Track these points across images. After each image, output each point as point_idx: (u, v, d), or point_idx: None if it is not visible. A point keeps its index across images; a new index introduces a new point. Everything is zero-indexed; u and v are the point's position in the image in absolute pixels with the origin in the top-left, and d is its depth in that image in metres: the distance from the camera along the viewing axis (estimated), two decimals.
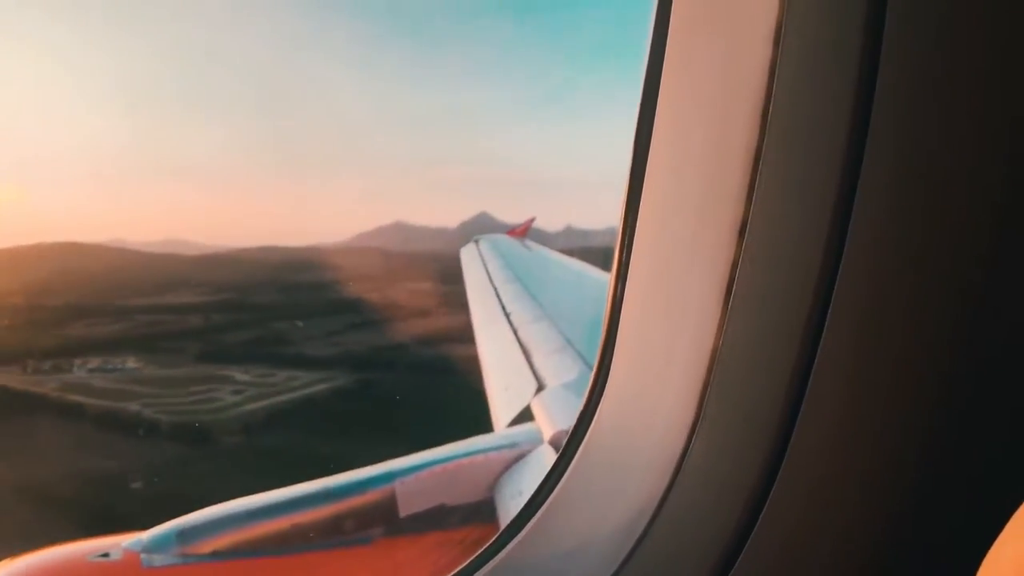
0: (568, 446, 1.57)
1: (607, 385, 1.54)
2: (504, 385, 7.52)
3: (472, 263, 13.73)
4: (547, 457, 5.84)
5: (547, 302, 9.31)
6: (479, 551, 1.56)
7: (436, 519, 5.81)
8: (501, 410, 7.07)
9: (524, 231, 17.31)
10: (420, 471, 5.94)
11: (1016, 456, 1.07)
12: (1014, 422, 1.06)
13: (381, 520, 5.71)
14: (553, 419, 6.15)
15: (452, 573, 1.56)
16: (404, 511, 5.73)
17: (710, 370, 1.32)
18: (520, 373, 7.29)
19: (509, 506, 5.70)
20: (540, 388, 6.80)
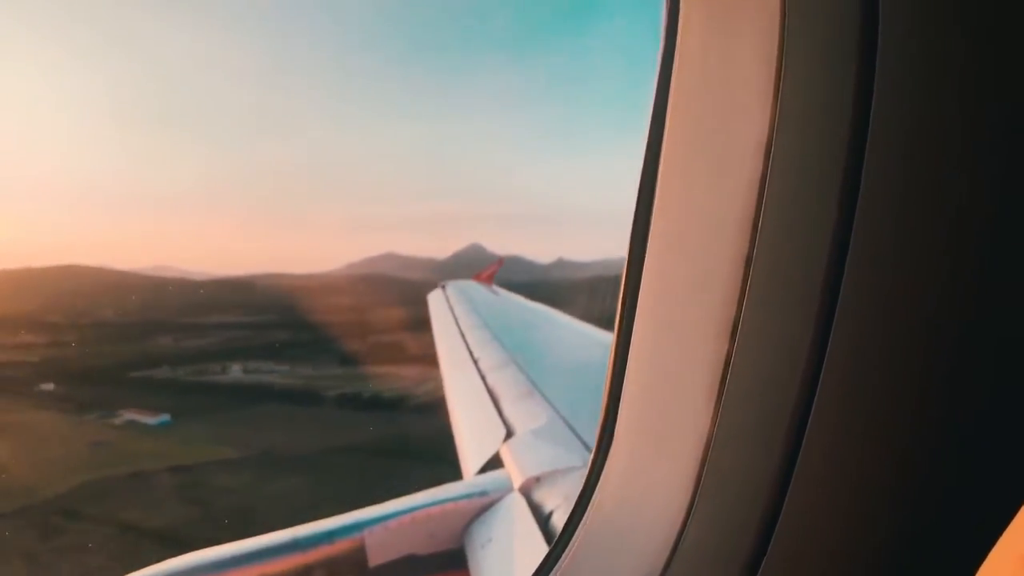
0: (568, 525, 1.61)
1: (607, 465, 1.60)
2: (473, 432, 7.53)
3: (439, 309, 13.74)
4: (517, 504, 5.84)
5: (514, 347, 9.36)
6: None
7: (406, 569, 5.76)
8: (470, 457, 7.07)
9: (490, 276, 17.39)
10: (389, 520, 5.90)
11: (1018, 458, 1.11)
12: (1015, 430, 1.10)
13: (350, 570, 5.65)
14: (522, 466, 6.16)
15: None
16: (373, 561, 5.69)
17: (706, 452, 1.39)
18: (489, 420, 7.30)
19: (479, 554, 5.69)
20: (509, 435, 6.81)
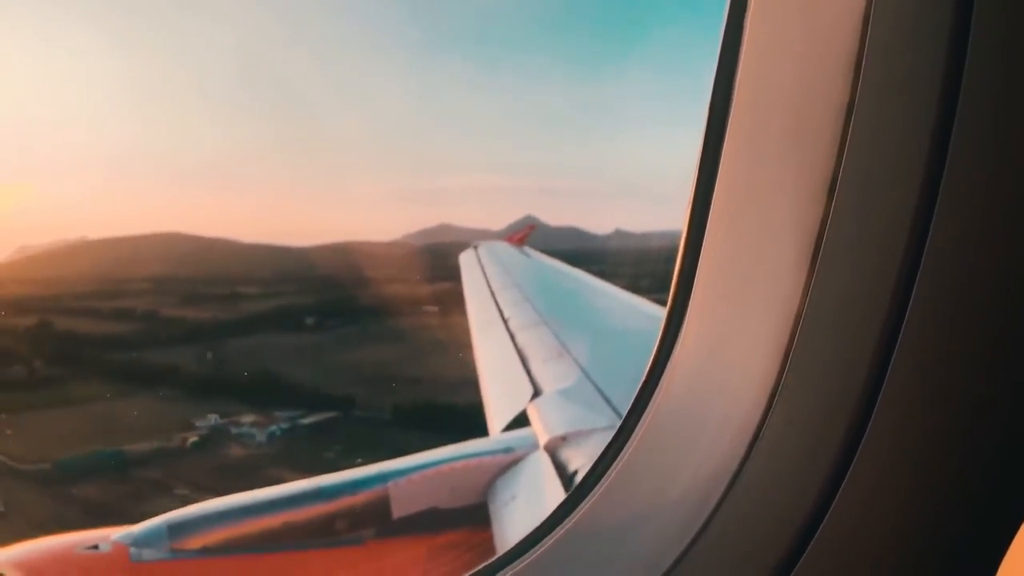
0: (634, 407, 1.50)
1: (676, 349, 1.48)
2: (500, 390, 7.50)
3: (471, 269, 13.70)
4: (542, 463, 5.80)
5: (544, 308, 9.30)
6: (547, 516, 1.51)
7: (428, 522, 5.75)
8: (497, 414, 7.04)
9: (522, 238, 17.30)
10: (413, 473, 5.90)
11: None
12: None
13: (373, 521, 5.65)
14: (548, 425, 6.11)
15: (526, 535, 1.52)
16: (397, 513, 5.68)
17: (792, 339, 1.26)
18: (517, 379, 7.26)
19: (502, 511, 5.67)
20: (536, 394, 6.77)
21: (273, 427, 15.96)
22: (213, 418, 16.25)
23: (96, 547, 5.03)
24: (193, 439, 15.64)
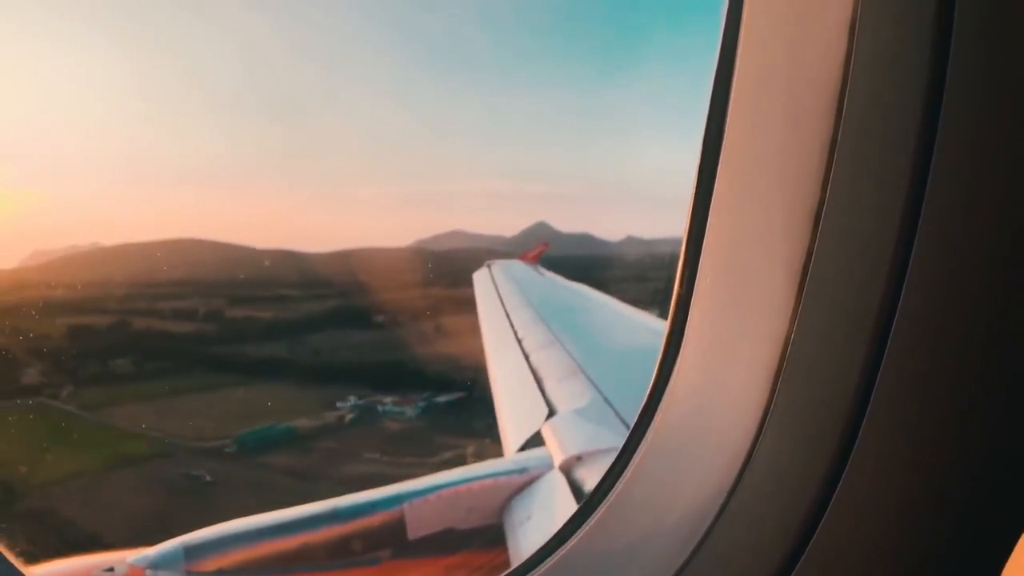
0: (633, 435, 1.54)
1: (674, 373, 1.52)
2: (515, 410, 7.49)
3: (484, 288, 13.73)
4: (557, 483, 5.78)
5: (558, 328, 9.30)
6: (550, 537, 1.54)
7: (444, 542, 5.75)
8: (512, 434, 7.02)
9: (536, 256, 17.35)
10: (429, 494, 5.90)
11: None
12: None
13: (389, 542, 5.65)
14: (564, 445, 6.09)
15: (529, 555, 1.55)
16: (413, 534, 5.68)
17: (782, 360, 1.30)
18: (531, 398, 7.25)
19: (518, 531, 5.65)
20: (551, 414, 6.75)
21: (415, 405, 17.54)
22: (352, 399, 17.80)
23: (112, 570, 5.04)
24: (350, 416, 17.25)
